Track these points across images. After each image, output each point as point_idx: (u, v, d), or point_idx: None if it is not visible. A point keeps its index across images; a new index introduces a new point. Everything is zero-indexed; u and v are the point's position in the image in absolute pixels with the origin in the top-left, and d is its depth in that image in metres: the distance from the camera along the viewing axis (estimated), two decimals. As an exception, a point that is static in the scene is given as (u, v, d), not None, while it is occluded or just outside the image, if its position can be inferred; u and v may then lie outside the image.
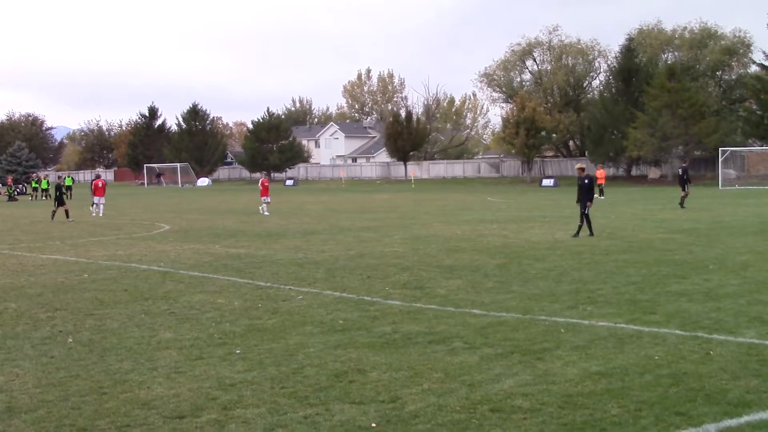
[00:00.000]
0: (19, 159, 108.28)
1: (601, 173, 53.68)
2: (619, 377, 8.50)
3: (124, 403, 7.95)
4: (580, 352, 9.58)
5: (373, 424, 7.20)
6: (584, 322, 11.38)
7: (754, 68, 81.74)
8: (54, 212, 36.87)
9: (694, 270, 16.41)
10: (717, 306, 12.39)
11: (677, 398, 7.75)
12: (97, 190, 40.39)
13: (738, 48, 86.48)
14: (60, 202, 36.91)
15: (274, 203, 47.22)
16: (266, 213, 38.02)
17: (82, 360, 9.75)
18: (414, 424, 7.20)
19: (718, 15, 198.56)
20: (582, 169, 25.05)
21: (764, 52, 75.85)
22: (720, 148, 67.55)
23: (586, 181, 24.37)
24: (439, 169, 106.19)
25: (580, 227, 24.04)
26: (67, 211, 36.88)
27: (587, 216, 24.07)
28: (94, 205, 40.52)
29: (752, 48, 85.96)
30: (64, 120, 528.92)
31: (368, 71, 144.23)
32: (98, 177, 43.26)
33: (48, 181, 75.59)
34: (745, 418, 7.13)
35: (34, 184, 72.10)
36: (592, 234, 23.68)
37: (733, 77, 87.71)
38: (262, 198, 39.04)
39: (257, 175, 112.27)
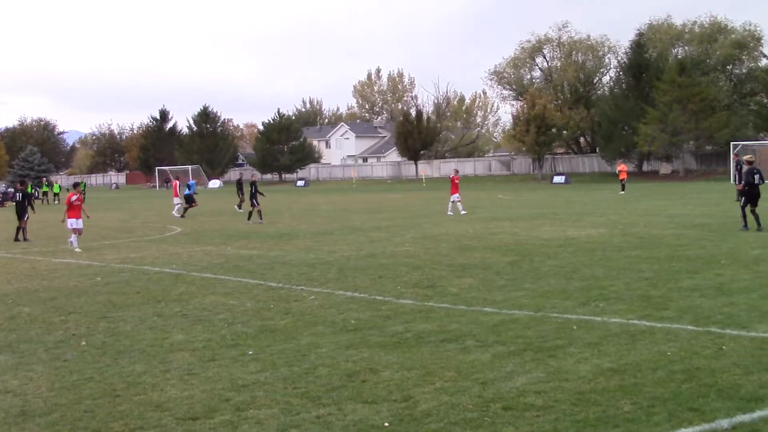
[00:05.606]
0: (31, 164, 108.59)
1: (623, 168, 53.75)
2: (631, 374, 8.48)
3: (138, 406, 7.98)
4: (593, 349, 9.56)
5: (386, 424, 7.21)
6: (596, 318, 11.36)
7: (764, 62, 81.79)
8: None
9: (706, 265, 16.36)
10: (729, 301, 12.36)
11: (690, 394, 7.73)
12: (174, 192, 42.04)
13: (748, 42, 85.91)
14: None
15: (286, 203, 47.30)
16: (463, 212, 34.49)
17: (96, 363, 9.79)
18: (427, 422, 7.20)
19: (728, 9, 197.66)
20: (750, 162, 24.26)
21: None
22: (731, 143, 67.24)
23: (756, 173, 23.54)
24: (449, 167, 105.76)
25: (757, 219, 23.40)
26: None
27: (754, 210, 23.49)
28: (176, 206, 41.52)
29: (762, 41, 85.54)
30: (75, 124, 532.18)
31: (378, 71, 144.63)
32: (176, 179, 44.29)
33: (59, 186, 76.06)
34: (758, 413, 7.10)
35: (45, 188, 72.38)
36: (760, 227, 23.12)
37: (744, 71, 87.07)
38: (453, 196, 35.10)
39: (266, 176, 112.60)
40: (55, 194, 70.58)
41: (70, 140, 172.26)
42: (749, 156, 25.44)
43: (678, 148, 75.08)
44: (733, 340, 9.78)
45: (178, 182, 43.08)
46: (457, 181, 35.44)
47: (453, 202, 35.05)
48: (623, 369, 8.66)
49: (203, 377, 8.97)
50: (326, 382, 8.57)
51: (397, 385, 8.39)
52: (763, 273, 15.09)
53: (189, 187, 43.27)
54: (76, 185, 25.56)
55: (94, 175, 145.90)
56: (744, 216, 23.48)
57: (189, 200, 41.61)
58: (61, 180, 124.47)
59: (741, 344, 9.57)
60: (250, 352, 10.04)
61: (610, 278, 15.03)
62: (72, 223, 24.13)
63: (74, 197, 24.32)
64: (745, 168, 24.57)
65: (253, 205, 34.55)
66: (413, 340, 10.45)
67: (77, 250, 23.70)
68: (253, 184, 35.21)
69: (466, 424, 7.13)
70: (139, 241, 26.78)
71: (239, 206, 42.97)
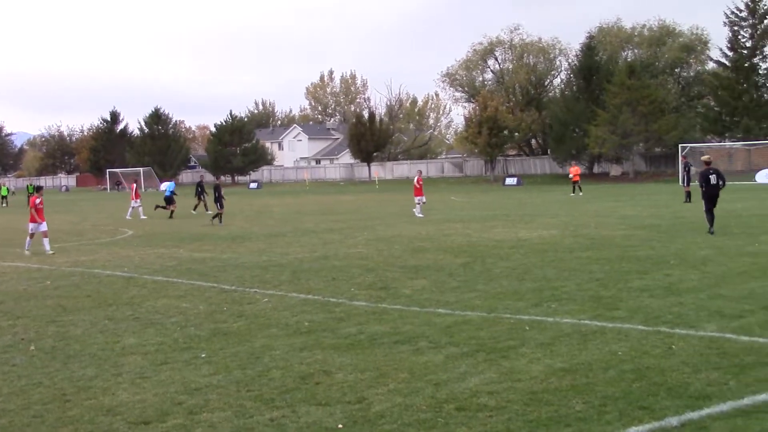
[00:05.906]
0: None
1: (575, 170, 54.10)
2: (583, 373, 8.57)
3: (88, 410, 7.89)
4: (545, 349, 9.65)
5: (340, 426, 7.21)
6: (548, 319, 11.46)
7: (711, 65, 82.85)
8: None
9: (655, 265, 16.59)
10: (678, 301, 12.54)
11: (640, 393, 7.84)
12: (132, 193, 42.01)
13: (696, 45, 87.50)
14: None
15: (239, 206, 47.01)
16: (419, 215, 34.44)
17: (45, 367, 9.66)
18: (380, 424, 7.21)
19: (676, 13, 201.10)
20: (708, 162, 23.28)
21: (721, 49, 76.93)
22: (679, 145, 68.22)
23: (713, 173, 22.80)
24: (402, 169, 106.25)
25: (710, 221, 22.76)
26: None
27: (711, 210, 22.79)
28: (131, 209, 41.42)
29: (709, 45, 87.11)
30: (24, 126, 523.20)
31: (331, 73, 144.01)
32: (134, 182, 44.00)
33: (8, 188, 74.80)
34: (706, 411, 7.23)
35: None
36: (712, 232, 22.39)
37: (692, 74, 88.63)
38: (417, 198, 35.25)
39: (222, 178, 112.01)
40: (3, 197, 69.41)
41: (18, 142, 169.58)
42: (707, 156, 24.53)
43: (628, 150, 76.01)
44: (682, 340, 9.93)
45: (135, 185, 42.64)
46: (420, 183, 35.44)
47: (419, 204, 35.20)
48: (575, 369, 8.76)
49: (155, 381, 8.89)
50: (280, 385, 8.55)
51: (350, 386, 8.40)
52: (710, 273, 15.33)
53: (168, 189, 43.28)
54: (38, 189, 25.37)
55: (43, 177, 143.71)
56: (709, 220, 22.89)
57: (169, 201, 41.44)
58: (9, 182, 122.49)
59: (690, 343, 9.72)
60: (203, 355, 9.97)
61: (562, 279, 15.17)
62: (32, 227, 23.83)
63: (38, 200, 24.10)
64: (700, 169, 23.92)
65: (219, 207, 34.70)
66: (366, 341, 10.46)
67: (50, 252, 23.42)
68: (217, 187, 35.25)
69: (420, 425, 7.16)
70: (90, 244, 26.45)
71: (196, 208, 43.36)
